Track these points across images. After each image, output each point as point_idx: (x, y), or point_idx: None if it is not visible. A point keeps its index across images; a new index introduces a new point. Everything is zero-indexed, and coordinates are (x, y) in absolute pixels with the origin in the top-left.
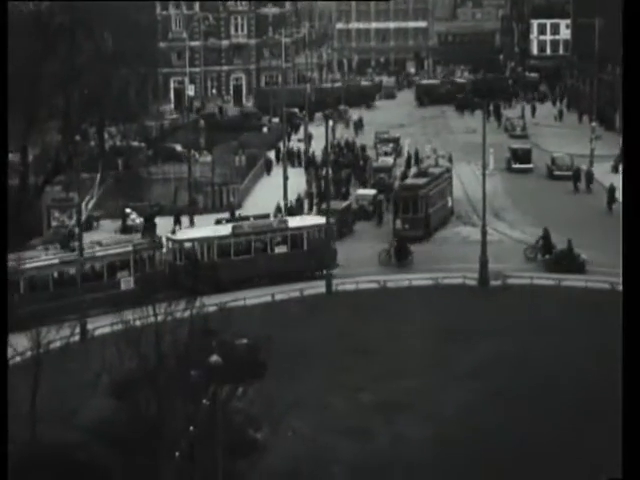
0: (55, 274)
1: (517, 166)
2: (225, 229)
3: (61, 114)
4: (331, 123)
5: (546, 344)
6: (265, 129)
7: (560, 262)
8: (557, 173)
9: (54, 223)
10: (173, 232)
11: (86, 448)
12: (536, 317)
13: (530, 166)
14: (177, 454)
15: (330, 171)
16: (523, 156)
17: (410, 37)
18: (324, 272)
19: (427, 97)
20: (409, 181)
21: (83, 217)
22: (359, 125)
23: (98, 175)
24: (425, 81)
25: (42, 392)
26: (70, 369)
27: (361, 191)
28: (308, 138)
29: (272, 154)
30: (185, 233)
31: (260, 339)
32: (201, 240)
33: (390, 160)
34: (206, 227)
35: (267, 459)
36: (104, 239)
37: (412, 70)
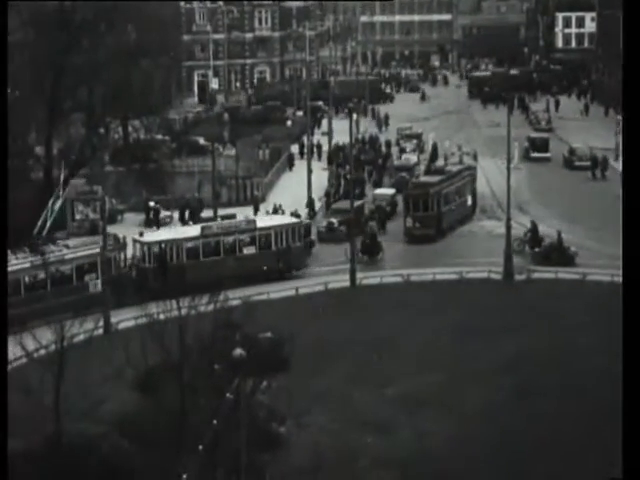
0: (26, 278)
1: (535, 155)
2: (194, 230)
3: (85, 107)
4: (355, 117)
5: (572, 340)
6: (289, 122)
7: (549, 255)
8: (577, 164)
9: (78, 216)
10: (141, 234)
11: (110, 440)
12: (561, 311)
13: (548, 155)
14: (200, 448)
15: (351, 168)
16: (541, 145)
17: (434, 30)
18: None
19: (479, 88)
20: (421, 179)
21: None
22: (383, 119)
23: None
24: (478, 73)
25: (66, 385)
26: (94, 362)
27: (379, 191)
28: (330, 132)
29: (296, 148)
30: (153, 235)
31: (284, 333)
32: (169, 242)
33: (412, 158)
34: (175, 228)
35: (291, 453)
36: (71, 241)
37: (436, 63)
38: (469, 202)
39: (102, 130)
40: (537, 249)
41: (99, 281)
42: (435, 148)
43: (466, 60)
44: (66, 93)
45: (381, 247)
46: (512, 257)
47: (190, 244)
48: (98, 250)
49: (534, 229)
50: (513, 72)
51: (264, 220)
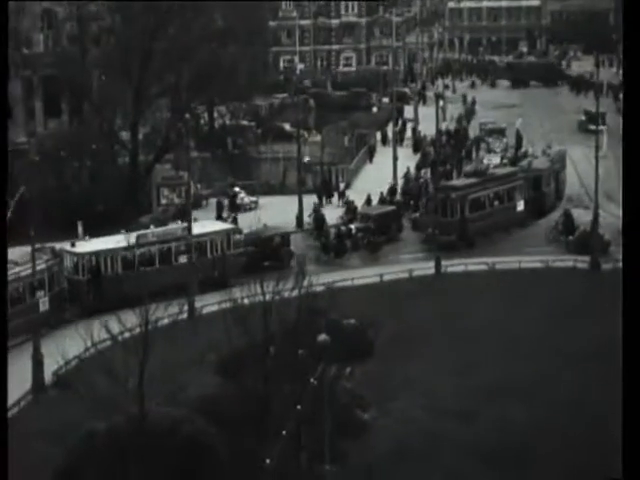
0: None
1: (593, 127)
2: (130, 239)
3: (171, 92)
4: (442, 103)
5: None
6: (375, 109)
7: (583, 243)
8: None
9: (163, 201)
10: (72, 244)
11: (192, 423)
12: None
13: (603, 127)
14: (284, 433)
15: (437, 157)
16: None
17: (522, 16)
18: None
19: None
20: (449, 182)
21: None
22: (470, 105)
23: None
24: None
25: (150, 368)
26: (178, 346)
27: (370, 207)
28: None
29: (379, 136)
30: (86, 245)
31: (368, 319)
32: (103, 252)
33: (494, 159)
34: (111, 237)
35: (375, 440)
36: (19, 257)
37: (524, 49)
38: (519, 207)
39: (188, 115)
40: (571, 237)
41: (47, 298)
42: (519, 138)
43: (554, 46)
44: (152, 78)
45: (346, 249)
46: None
47: (125, 254)
48: (44, 265)
49: (568, 217)
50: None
51: (200, 227)
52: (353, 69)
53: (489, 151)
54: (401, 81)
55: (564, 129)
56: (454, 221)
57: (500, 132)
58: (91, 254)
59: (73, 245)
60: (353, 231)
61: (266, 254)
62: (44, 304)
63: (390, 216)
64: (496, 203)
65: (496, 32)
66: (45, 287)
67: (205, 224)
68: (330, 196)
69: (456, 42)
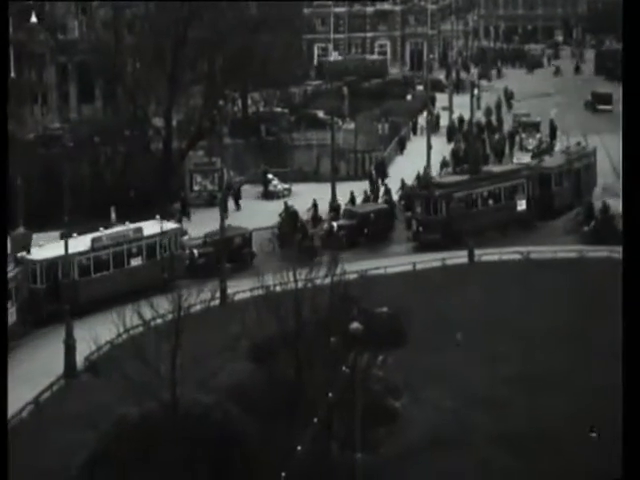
0: None
1: (601, 107)
2: (84, 243)
3: (205, 79)
4: (476, 92)
5: None
6: (409, 96)
7: (599, 231)
8: None
9: (196, 187)
10: (28, 252)
11: (223, 409)
12: None
13: (610, 107)
14: (315, 420)
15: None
16: (606, 99)
17: (559, 5)
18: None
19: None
20: (438, 179)
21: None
22: (506, 95)
23: None
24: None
25: (182, 354)
26: (210, 332)
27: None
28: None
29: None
30: (41, 251)
31: (400, 308)
32: (59, 259)
33: (523, 160)
34: (65, 241)
35: (406, 428)
36: None
37: (560, 39)
38: (520, 207)
39: (221, 102)
40: (586, 228)
41: (14, 310)
42: (554, 128)
43: (590, 36)
44: (186, 65)
45: (316, 252)
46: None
47: (81, 259)
48: (12, 274)
49: (588, 208)
50: None
51: (150, 227)
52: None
53: (521, 148)
54: (435, 69)
55: (601, 117)
56: (438, 219)
57: (534, 126)
58: (48, 261)
59: (28, 252)
60: (335, 229)
61: (227, 255)
62: (12, 315)
63: (379, 214)
64: (491, 202)
65: (532, 21)
66: (12, 297)
67: (154, 224)
68: (384, 179)
69: (491, 30)
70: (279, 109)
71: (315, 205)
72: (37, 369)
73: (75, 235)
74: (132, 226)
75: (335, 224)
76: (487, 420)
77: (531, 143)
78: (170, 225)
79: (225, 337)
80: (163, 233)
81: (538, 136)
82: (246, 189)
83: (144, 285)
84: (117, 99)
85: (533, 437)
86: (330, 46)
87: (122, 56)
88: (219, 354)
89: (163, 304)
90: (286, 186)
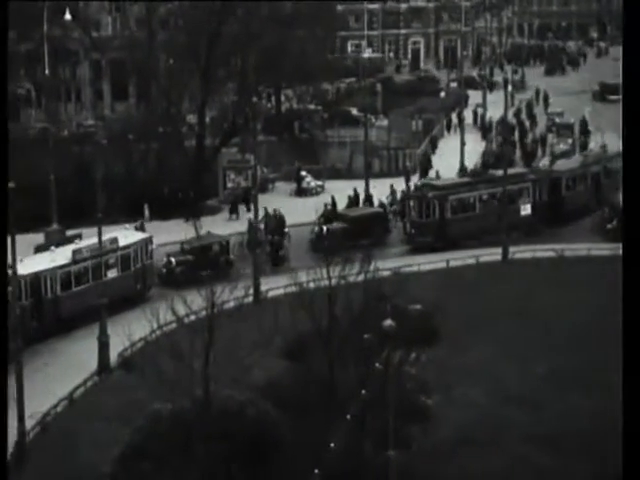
0: None
1: (611, 97)
2: (64, 256)
3: (238, 76)
4: (510, 89)
5: None
6: (442, 93)
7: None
8: None
9: (229, 184)
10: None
11: (257, 406)
12: None
13: (619, 97)
14: (348, 417)
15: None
16: (614, 89)
17: (593, 1)
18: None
19: None
20: (432, 181)
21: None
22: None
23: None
24: None
25: (215, 351)
26: (243, 329)
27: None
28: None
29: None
30: (24, 266)
31: (433, 305)
32: (42, 273)
33: (559, 165)
34: (47, 254)
35: (439, 426)
36: None
37: (594, 35)
38: (524, 212)
39: (255, 99)
40: (609, 226)
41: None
42: (586, 127)
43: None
44: (220, 62)
45: (284, 259)
46: None
47: (62, 272)
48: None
49: (613, 208)
50: None
51: (125, 237)
52: None
53: (550, 154)
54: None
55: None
56: (431, 222)
57: (567, 128)
58: (30, 276)
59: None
60: (324, 232)
61: (205, 263)
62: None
63: (372, 218)
64: (490, 205)
65: (566, 17)
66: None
67: (127, 234)
68: (426, 173)
69: (525, 27)
70: (312, 106)
71: (334, 203)
72: None
73: (53, 248)
74: (108, 236)
75: (325, 227)
76: (521, 418)
77: (561, 148)
78: (141, 235)
79: (259, 334)
80: (134, 243)
81: (569, 141)
82: (279, 186)
83: (121, 297)
84: (151, 96)
85: (568, 436)
86: (364, 43)
87: (155, 53)
88: (252, 351)
89: (197, 300)
90: (319, 183)
